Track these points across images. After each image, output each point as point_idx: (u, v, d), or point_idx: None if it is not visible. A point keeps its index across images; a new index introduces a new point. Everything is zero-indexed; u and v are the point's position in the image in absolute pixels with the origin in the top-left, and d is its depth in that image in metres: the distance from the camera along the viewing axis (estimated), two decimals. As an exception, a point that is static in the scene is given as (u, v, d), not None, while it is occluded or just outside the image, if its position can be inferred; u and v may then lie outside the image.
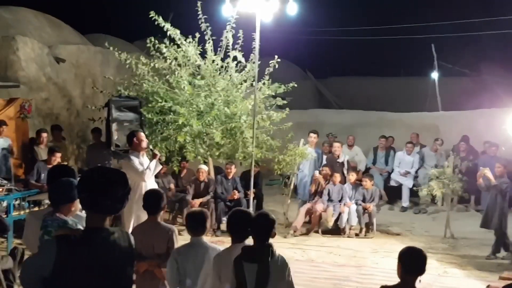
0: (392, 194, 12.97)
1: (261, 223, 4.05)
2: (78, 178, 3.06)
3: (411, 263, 3.75)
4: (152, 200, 4.75)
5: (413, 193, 12.23)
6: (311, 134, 11.33)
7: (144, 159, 7.43)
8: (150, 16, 9.89)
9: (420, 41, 23.84)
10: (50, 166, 8.85)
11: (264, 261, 3.84)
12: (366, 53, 30.62)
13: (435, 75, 24.44)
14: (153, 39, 10.12)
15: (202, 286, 4.24)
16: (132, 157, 7.24)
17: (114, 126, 9.55)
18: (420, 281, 3.73)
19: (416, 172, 12.54)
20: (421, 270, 3.73)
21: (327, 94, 27.55)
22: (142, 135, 7.48)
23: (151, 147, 7.85)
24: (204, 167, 10.48)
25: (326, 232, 10.20)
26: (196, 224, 4.43)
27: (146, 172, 7.14)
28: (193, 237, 4.44)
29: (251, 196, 9.94)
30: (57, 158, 8.94)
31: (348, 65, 30.50)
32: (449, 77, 24.68)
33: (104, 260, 2.88)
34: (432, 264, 8.28)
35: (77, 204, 3.82)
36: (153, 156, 7.46)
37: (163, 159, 10.05)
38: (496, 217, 8.70)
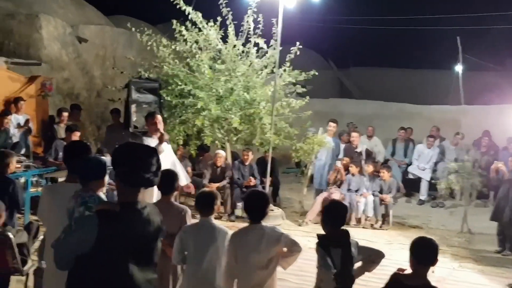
0: (410, 186, 12.85)
1: (337, 211, 4.33)
2: (96, 155, 3.08)
3: (423, 253, 3.69)
4: (166, 180, 4.73)
5: (431, 186, 12.09)
6: (330, 123, 11.21)
7: (155, 141, 7.38)
8: (172, 0, 9.87)
9: (445, 33, 23.49)
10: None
11: (346, 245, 4.12)
12: (390, 44, 30.21)
13: (459, 68, 24.07)
14: (174, 22, 10.10)
15: (211, 263, 4.29)
16: (144, 138, 7.22)
17: (133, 107, 9.58)
18: (433, 272, 3.66)
19: (435, 165, 12.38)
20: (433, 260, 3.66)
21: (348, 84, 27.35)
22: (158, 117, 7.45)
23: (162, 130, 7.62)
24: (222, 153, 10.47)
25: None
26: (204, 204, 4.47)
27: None
28: (201, 217, 4.49)
29: (268, 183, 9.93)
30: (76, 137, 8.98)
31: (371, 56, 30.17)
32: (473, 71, 24.30)
33: (140, 233, 2.96)
34: (447, 258, 8.20)
35: (106, 181, 3.87)
36: (159, 140, 7.26)
37: (181, 142, 10.07)
38: (508, 211, 8.57)
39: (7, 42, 12.16)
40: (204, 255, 4.30)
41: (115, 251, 2.88)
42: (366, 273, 4.41)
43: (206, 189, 5.06)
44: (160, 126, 7.35)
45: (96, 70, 13.54)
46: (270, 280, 4.21)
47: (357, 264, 4.30)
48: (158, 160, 3.03)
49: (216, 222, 4.55)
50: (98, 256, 2.85)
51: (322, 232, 4.29)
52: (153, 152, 3.06)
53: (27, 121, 10.11)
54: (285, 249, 4.23)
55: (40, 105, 11.03)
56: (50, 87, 11.05)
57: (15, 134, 9.83)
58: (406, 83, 25.58)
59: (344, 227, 4.26)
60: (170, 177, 4.81)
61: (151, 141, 7.21)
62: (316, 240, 4.24)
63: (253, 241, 4.14)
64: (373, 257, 4.33)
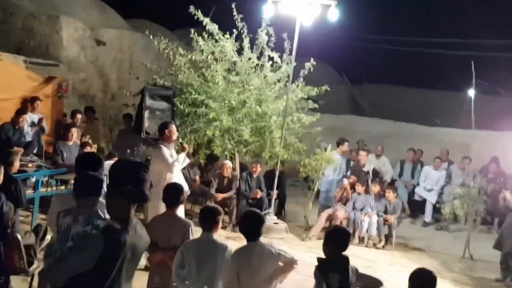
0: (415, 208, 12.86)
1: (339, 237, 4.41)
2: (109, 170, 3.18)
3: (422, 285, 3.76)
4: (171, 193, 4.85)
5: (437, 209, 12.10)
6: (346, 143, 11.35)
7: (173, 151, 7.55)
8: (190, 11, 10.01)
9: (460, 57, 23.44)
10: (68, 142, 9.03)
11: (345, 271, 4.22)
12: (405, 63, 30.16)
13: (471, 92, 24.01)
14: (192, 31, 10.23)
15: (210, 278, 4.36)
16: (163, 147, 7.34)
17: (146, 113, 9.68)
18: None
19: (442, 188, 12.41)
20: None
21: (361, 100, 27.35)
22: (174, 127, 7.58)
23: (180, 140, 7.96)
24: (228, 163, 10.56)
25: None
26: (207, 220, 4.54)
27: (175, 164, 7.27)
28: (203, 232, 4.56)
29: (274, 196, 10.01)
30: (72, 134, 9.09)
31: (386, 73, 30.12)
32: (486, 95, 24.20)
33: (134, 248, 3.10)
34: (446, 284, 8.21)
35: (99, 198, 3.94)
36: (182, 149, 7.58)
37: (191, 151, 10.18)
38: (510, 242, 8.57)
39: (28, 41, 12.38)
40: (204, 270, 4.37)
41: (111, 266, 2.99)
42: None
43: (209, 204, 5.16)
44: (174, 136, 7.49)
45: (112, 74, 13.70)
46: None
47: None
48: (149, 176, 3.20)
49: (217, 237, 4.62)
50: (94, 271, 2.94)
51: (321, 249, 4.36)
52: (148, 169, 3.21)
53: (40, 120, 10.25)
54: (281, 264, 4.34)
55: (56, 105, 11.19)
56: (66, 89, 11.22)
57: (29, 133, 9.98)
58: (418, 102, 25.53)
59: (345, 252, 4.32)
60: (176, 190, 4.91)
61: (168, 150, 7.34)
62: (316, 264, 4.31)
63: (256, 261, 4.23)
64: (371, 285, 4.40)
